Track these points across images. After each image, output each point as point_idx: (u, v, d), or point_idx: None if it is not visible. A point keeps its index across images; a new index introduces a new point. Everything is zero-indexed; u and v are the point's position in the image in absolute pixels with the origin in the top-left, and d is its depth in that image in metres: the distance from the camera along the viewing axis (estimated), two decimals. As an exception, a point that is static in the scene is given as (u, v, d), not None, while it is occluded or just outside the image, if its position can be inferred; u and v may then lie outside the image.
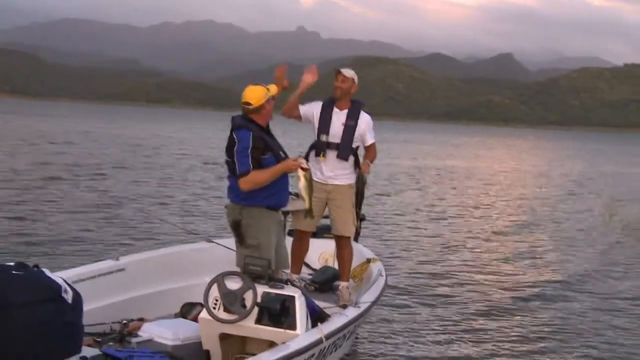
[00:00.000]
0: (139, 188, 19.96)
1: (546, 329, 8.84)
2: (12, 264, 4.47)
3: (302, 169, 5.96)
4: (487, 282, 11.20)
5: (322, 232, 8.07)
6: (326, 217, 7.53)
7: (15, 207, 15.01)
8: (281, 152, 6.17)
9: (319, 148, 7.24)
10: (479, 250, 14.08)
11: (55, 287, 4.41)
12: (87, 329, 5.19)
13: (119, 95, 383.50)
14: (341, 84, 7.27)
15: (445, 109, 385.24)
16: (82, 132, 51.21)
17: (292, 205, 7.22)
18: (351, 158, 7.27)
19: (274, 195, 6.11)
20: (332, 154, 7.21)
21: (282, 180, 6.14)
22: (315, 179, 7.27)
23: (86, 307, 4.81)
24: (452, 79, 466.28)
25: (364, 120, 7.31)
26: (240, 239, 6.15)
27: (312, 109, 7.29)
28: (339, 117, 7.24)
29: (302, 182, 6.01)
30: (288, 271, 7.15)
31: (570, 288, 11.05)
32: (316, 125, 7.24)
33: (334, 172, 7.25)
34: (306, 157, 7.38)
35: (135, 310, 6.35)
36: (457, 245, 14.43)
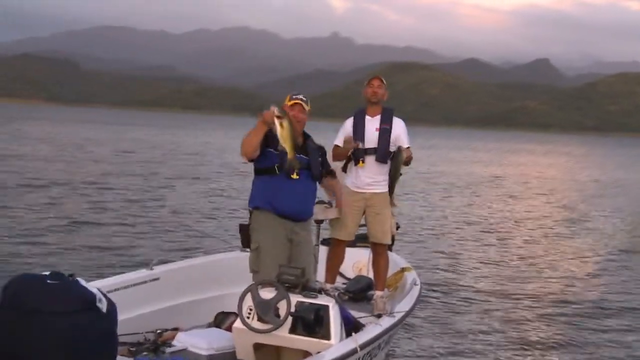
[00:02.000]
0: (176, 197, 20.02)
1: (581, 341, 8.74)
2: (47, 273, 4.48)
3: (277, 117, 5.75)
4: (521, 292, 11.05)
5: (356, 241, 8.03)
6: (362, 225, 7.51)
7: (52, 215, 15.14)
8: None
9: (357, 155, 7.24)
10: (514, 259, 13.92)
11: (89, 297, 4.40)
12: (121, 339, 5.17)
13: (155, 102, 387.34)
14: (378, 89, 7.31)
15: (480, 115, 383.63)
16: (129, 139, 51.78)
17: (324, 214, 7.21)
18: (389, 162, 7.25)
19: (272, 199, 6.10)
20: (370, 159, 7.22)
21: (282, 185, 6.13)
22: (353, 188, 7.29)
23: (120, 317, 4.80)
24: (487, 85, 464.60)
25: (399, 124, 7.34)
26: (244, 242, 6.36)
27: (346, 129, 7.36)
28: (372, 123, 7.28)
29: (279, 130, 5.74)
30: (322, 280, 7.14)
31: (602, 300, 10.85)
32: (351, 136, 7.25)
33: (373, 179, 7.24)
34: (344, 169, 7.39)
35: (169, 320, 6.35)
36: (493, 254, 14.27)
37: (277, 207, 6.13)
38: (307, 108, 6.32)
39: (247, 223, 6.36)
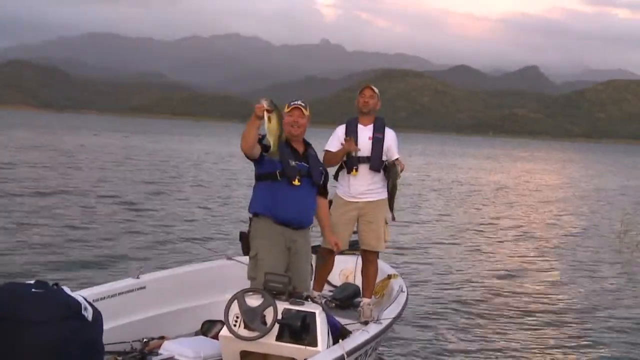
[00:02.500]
0: (167, 205, 19.90)
1: (567, 350, 8.70)
2: (32, 282, 4.48)
3: (266, 110, 5.69)
4: (514, 303, 10.94)
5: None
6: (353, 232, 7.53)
7: (37, 223, 15.06)
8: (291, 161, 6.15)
9: (351, 163, 7.25)
10: (510, 268, 13.68)
11: (74, 305, 4.42)
12: (108, 348, 5.18)
13: (145, 109, 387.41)
14: (369, 99, 7.33)
15: (470, 122, 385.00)
16: (124, 146, 51.77)
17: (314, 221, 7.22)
18: (382, 172, 7.27)
19: (272, 205, 6.09)
20: (364, 168, 7.24)
21: (283, 191, 6.10)
22: (346, 198, 7.32)
23: (107, 326, 4.80)
24: (477, 92, 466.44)
25: (390, 135, 7.36)
26: (245, 250, 6.34)
27: (338, 137, 7.31)
28: (365, 132, 7.29)
29: (266, 123, 5.70)
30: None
31: (588, 309, 10.72)
32: (351, 137, 7.23)
33: (367, 188, 7.26)
34: (335, 177, 7.40)
35: (156, 329, 6.33)
36: (487, 263, 14.11)
37: (276, 215, 6.10)
38: (306, 113, 6.27)
39: (247, 231, 6.32)
